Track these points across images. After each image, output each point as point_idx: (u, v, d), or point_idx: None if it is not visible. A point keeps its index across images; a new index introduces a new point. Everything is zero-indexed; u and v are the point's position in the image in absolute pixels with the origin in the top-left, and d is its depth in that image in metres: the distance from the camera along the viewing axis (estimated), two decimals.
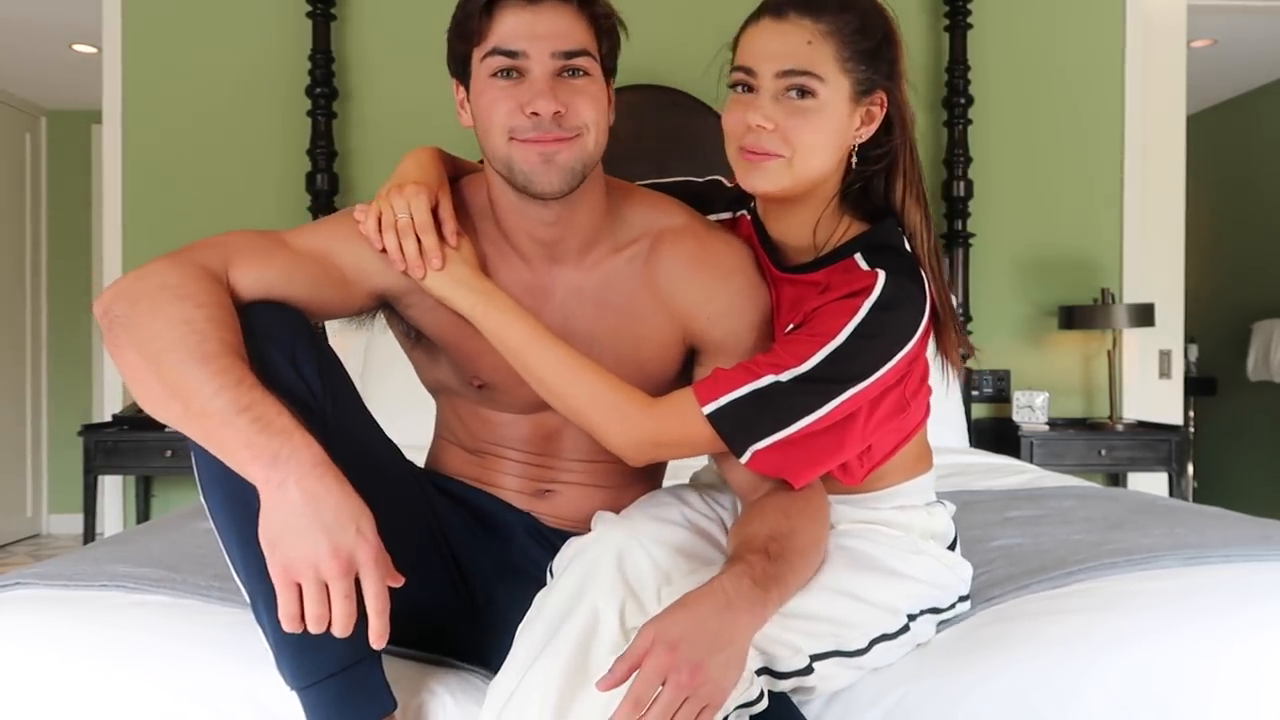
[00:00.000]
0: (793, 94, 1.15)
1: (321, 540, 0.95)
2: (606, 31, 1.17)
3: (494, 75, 1.14)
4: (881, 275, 1.15)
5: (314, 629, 0.96)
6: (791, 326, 1.19)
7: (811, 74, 1.14)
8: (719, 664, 0.99)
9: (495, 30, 1.13)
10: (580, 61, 1.14)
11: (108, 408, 3.39)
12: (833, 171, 1.21)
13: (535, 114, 1.11)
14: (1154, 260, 3.58)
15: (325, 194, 3.27)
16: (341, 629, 0.96)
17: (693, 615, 0.99)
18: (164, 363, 1.00)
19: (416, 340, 1.30)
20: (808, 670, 1.10)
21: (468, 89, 1.19)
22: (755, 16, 1.19)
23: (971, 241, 3.38)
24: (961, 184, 3.34)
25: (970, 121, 3.37)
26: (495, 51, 1.13)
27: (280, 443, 0.97)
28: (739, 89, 1.19)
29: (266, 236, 1.18)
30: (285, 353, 1.08)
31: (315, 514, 0.95)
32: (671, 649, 0.97)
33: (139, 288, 1.05)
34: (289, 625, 0.96)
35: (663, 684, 0.97)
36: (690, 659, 0.97)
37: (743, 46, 1.19)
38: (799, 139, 1.15)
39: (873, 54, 1.17)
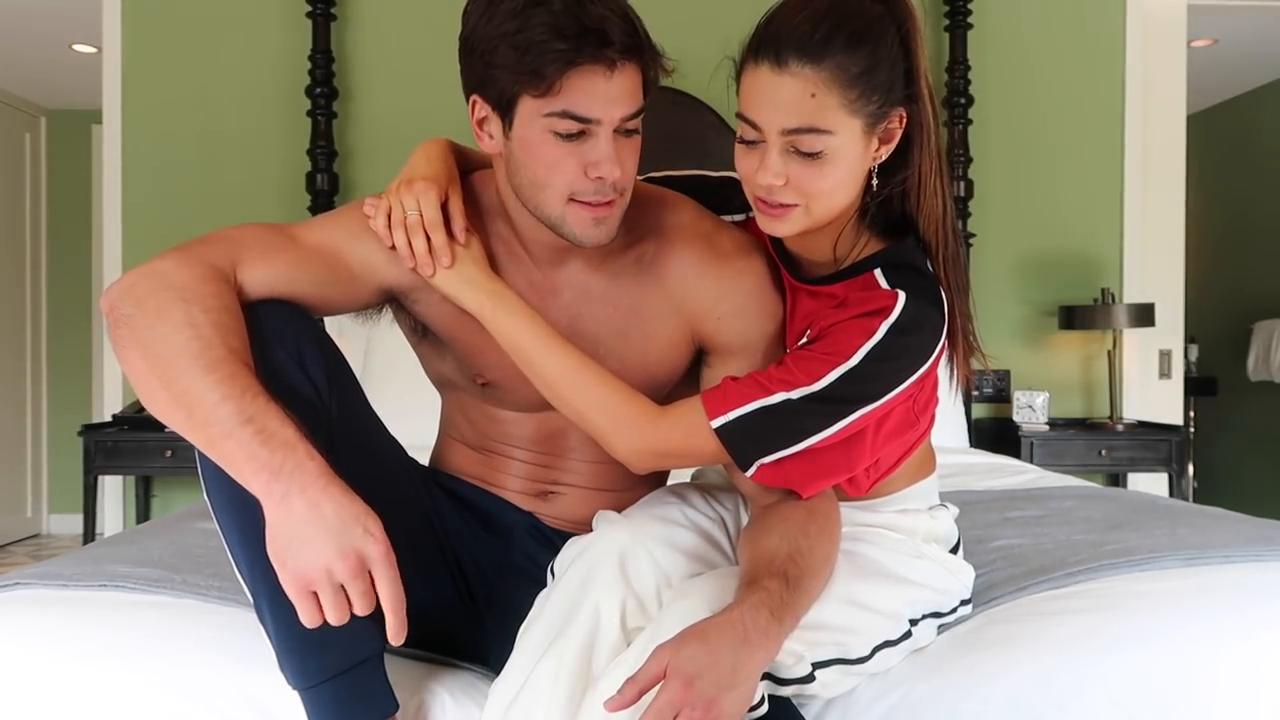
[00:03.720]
0: (801, 150, 1.09)
1: (328, 544, 0.95)
2: (652, 83, 1.14)
3: (556, 134, 1.09)
4: (902, 297, 1.11)
5: (338, 624, 0.97)
6: (805, 340, 1.17)
7: (818, 130, 1.08)
8: (732, 700, 0.98)
9: (568, 91, 1.06)
10: (638, 121, 1.12)
11: (108, 408, 3.39)
12: (854, 198, 1.17)
13: (600, 178, 1.10)
14: (1154, 260, 3.58)
15: (325, 194, 3.26)
16: (363, 612, 0.97)
17: (710, 649, 0.98)
18: (169, 369, 0.99)
19: (423, 335, 1.29)
20: (809, 678, 1.09)
21: (504, 120, 1.12)
22: (755, 56, 1.10)
23: (971, 241, 3.38)
24: (961, 184, 3.34)
25: (970, 121, 3.37)
26: (567, 115, 1.07)
27: (283, 456, 0.96)
28: (746, 138, 1.13)
29: (275, 231, 1.16)
30: (291, 352, 1.08)
31: (320, 521, 0.95)
32: (687, 684, 0.96)
33: (146, 287, 1.04)
34: (312, 625, 0.97)
35: (674, 716, 0.96)
36: (705, 695, 0.96)
37: (745, 92, 1.12)
38: (814, 189, 1.11)
39: (886, 84, 1.10)
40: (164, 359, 1.00)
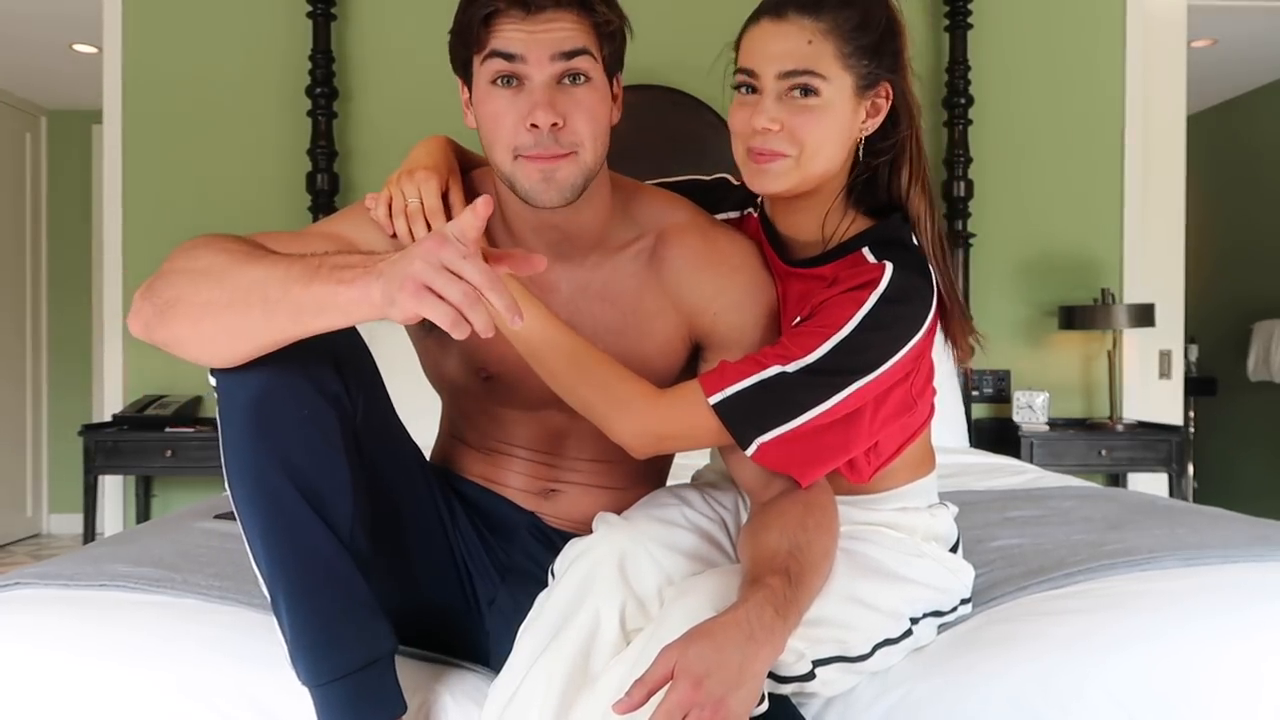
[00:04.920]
0: (796, 94, 1.15)
1: (412, 250, 0.89)
2: (608, 35, 1.16)
3: (494, 82, 1.13)
4: (889, 268, 1.15)
5: (464, 298, 0.88)
6: (798, 320, 1.19)
7: (814, 73, 1.14)
8: (740, 699, 0.98)
9: (494, 36, 1.12)
10: (580, 63, 1.12)
11: (108, 408, 3.39)
12: (840, 166, 1.21)
13: (535, 126, 1.11)
14: (1154, 260, 3.58)
15: (325, 194, 3.27)
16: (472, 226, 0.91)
17: (717, 648, 0.98)
18: (226, 281, 0.97)
19: (428, 330, 1.30)
20: (810, 676, 1.09)
21: (471, 91, 1.19)
22: (755, 17, 1.19)
23: (971, 241, 3.38)
24: (961, 184, 3.34)
25: (970, 121, 3.37)
26: (494, 54, 1.12)
27: (364, 263, 0.93)
28: (743, 90, 1.19)
29: (282, 232, 1.18)
30: (324, 348, 1.05)
31: (403, 254, 0.90)
32: (696, 684, 0.96)
33: (167, 264, 1.04)
34: (458, 326, 0.88)
35: (683, 716, 0.96)
36: (714, 695, 0.96)
37: (744, 48, 1.19)
38: (806, 137, 1.16)
39: (875, 48, 1.17)
40: (216, 279, 0.98)
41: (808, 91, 1.15)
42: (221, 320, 0.98)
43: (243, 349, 1.00)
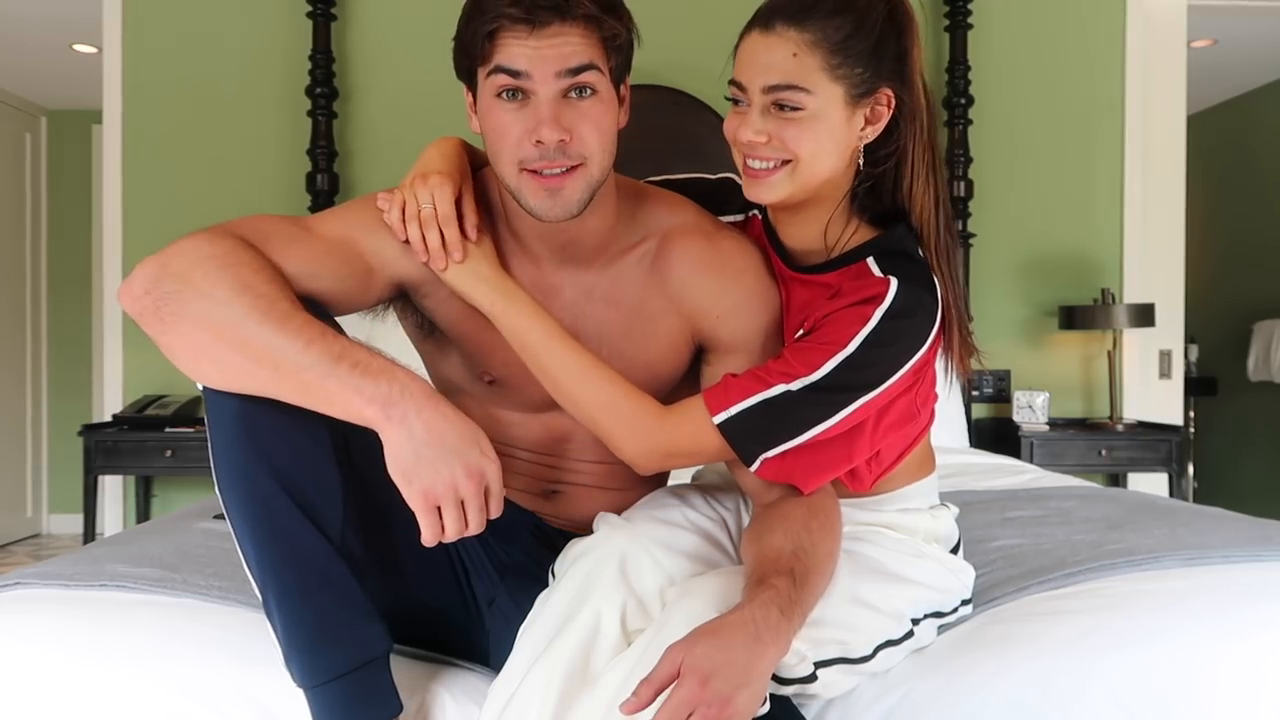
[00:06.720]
0: (780, 107, 1.13)
1: (455, 464, 1.01)
2: (616, 48, 1.14)
3: (499, 96, 1.12)
4: (894, 282, 1.13)
5: (454, 538, 1.03)
6: (801, 332, 1.18)
7: (797, 87, 1.12)
8: (746, 697, 0.98)
9: (499, 51, 1.10)
10: (586, 78, 1.11)
11: (108, 408, 3.39)
12: (840, 174, 1.19)
13: (540, 142, 1.10)
14: (1154, 260, 3.58)
15: (325, 194, 3.26)
16: (477, 528, 1.05)
17: (724, 647, 0.98)
18: (239, 332, 0.99)
19: (429, 333, 1.29)
20: (811, 678, 1.09)
21: (475, 100, 1.17)
22: (748, 27, 1.17)
23: (971, 241, 3.38)
24: (961, 184, 3.34)
25: (970, 121, 3.37)
26: (499, 69, 1.11)
27: (387, 382, 1.01)
28: (735, 101, 1.18)
29: (291, 222, 1.16)
30: None
31: (441, 442, 1.01)
32: (703, 682, 0.96)
33: (182, 262, 1.03)
34: (432, 543, 1.03)
35: (689, 714, 0.96)
36: (721, 693, 0.96)
37: (736, 59, 1.17)
38: (798, 148, 1.14)
39: (871, 54, 1.14)
40: (230, 324, 1.00)
41: (792, 106, 1.13)
42: (224, 364, 1.01)
43: (232, 388, 1.03)
